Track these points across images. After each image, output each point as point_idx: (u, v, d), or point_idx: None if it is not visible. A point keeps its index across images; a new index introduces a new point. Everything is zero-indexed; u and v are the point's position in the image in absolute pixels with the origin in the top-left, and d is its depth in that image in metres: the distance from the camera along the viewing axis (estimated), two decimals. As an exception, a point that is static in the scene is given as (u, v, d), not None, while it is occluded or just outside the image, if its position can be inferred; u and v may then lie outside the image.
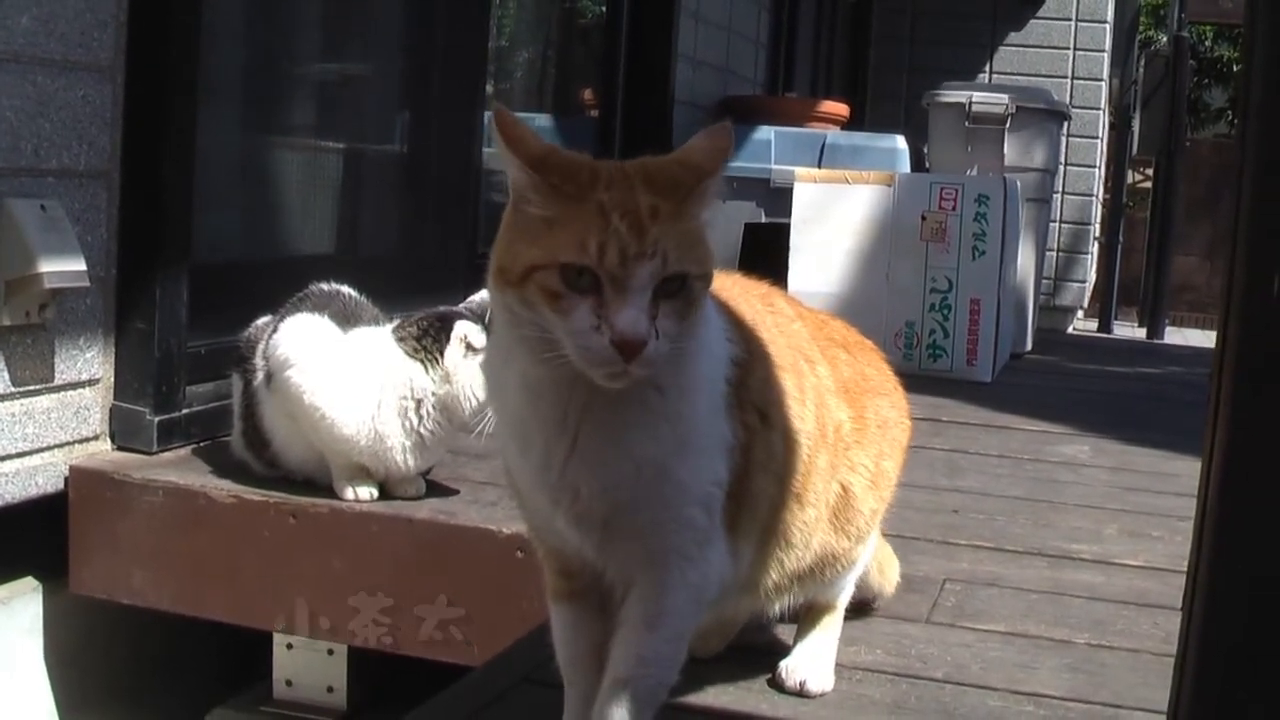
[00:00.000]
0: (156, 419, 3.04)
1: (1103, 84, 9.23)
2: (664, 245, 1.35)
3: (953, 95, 6.17)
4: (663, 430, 1.46)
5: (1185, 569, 2.56)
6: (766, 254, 5.40)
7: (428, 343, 2.66)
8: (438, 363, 2.65)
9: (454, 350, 2.64)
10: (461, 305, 2.75)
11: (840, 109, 7.00)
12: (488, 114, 4.88)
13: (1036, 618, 2.31)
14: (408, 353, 2.66)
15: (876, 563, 2.10)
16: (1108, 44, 9.22)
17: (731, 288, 1.72)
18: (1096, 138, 9.25)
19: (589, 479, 1.47)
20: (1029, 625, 2.27)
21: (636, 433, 1.45)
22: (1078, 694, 1.96)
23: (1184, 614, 1.16)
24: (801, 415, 1.70)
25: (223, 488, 2.82)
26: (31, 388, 2.82)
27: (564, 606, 1.59)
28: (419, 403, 2.67)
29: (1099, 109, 9.20)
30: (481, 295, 2.75)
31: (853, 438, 1.81)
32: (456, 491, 2.86)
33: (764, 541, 1.68)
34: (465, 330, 2.65)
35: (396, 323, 2.74)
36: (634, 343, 1.33)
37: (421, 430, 2.68)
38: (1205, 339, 11.99)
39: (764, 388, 1.62)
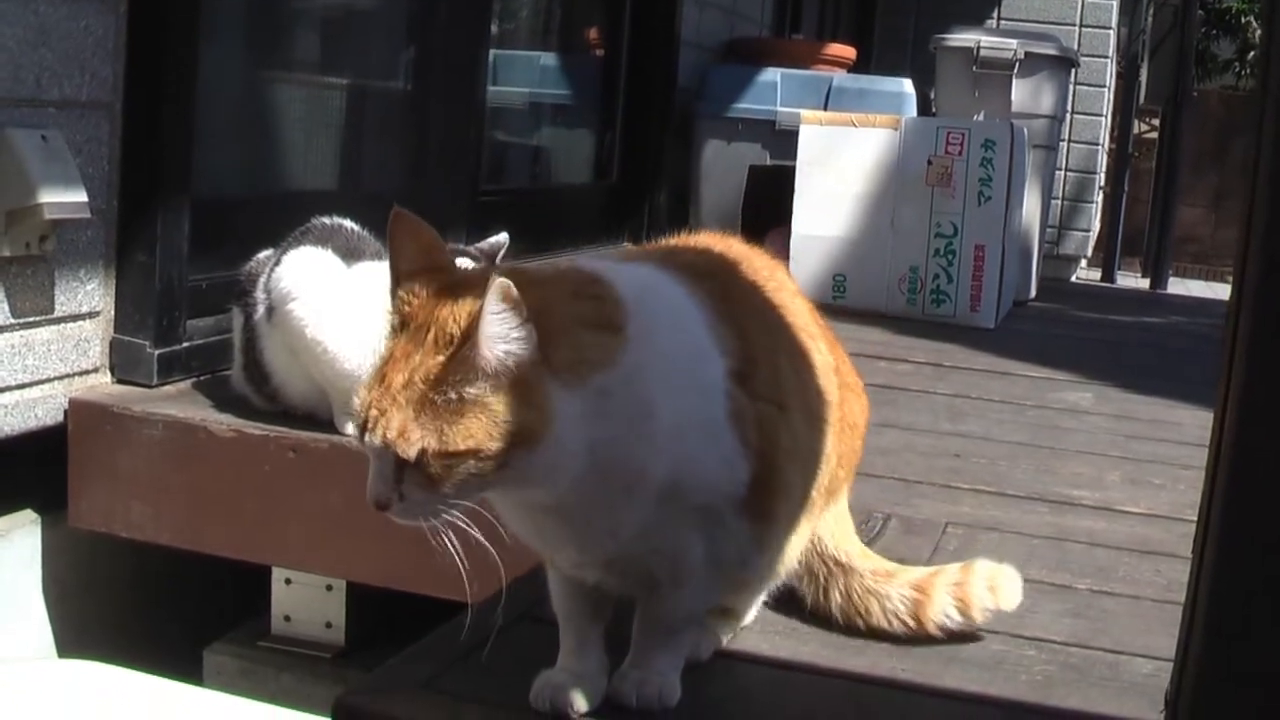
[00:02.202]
0: (157, 352, 3.03)
1: (1111, 32, 9.17)
2: (385, 425, 1.33)
3: (960, 39, 6.13)
4: (630, 506, 1.45)
5: (1187, 517, 2.57)
6: (771, 196, 5.38)
7: None
8: None
9: None
10: (474, 246, 2.73)
11: (847, 52, 6.96)
12: (493, 52, 4.87)
13: (1038, 563, 2.30)
14: None
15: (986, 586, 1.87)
16: (1117, -9, 9.16)
17: (732, 267, 1.69)
18: (1103, 86, 9.19)
19: (567, 548, 1.51)
20: (1030, 570, 2.25)
21: (599, 511, 1.45)
22: (1079, 639, 1.96)
23: (1194, 557, 1.15)
24: (828, 389, 1.71)
25: (223, 421, 2.81)
26: (31, 319, 2.80)
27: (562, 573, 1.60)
28: (421, 339, 2.65)
29: (1107, 57, 9.14)
30: (497, 238, 2.74)
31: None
32: (458, 428, 2.84)
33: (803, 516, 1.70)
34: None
35: (400, 258, 2.71)
36: (373, 504, 1.37)
37: (420, 366, 2.67)
38: (1208, 290, 11.99)
39: (774, 378, 1.59)
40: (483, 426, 1.32)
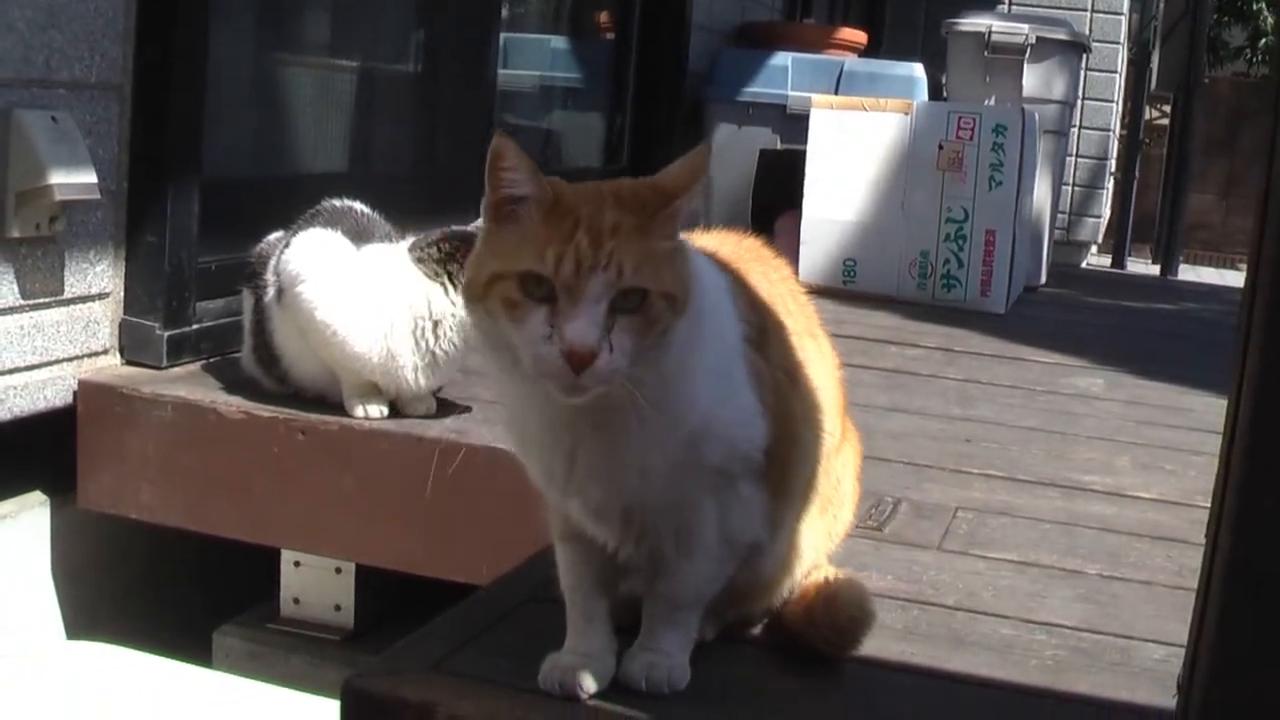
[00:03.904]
0: (166, 334, 3.02)
1: (1122, 18, 9.14)
2: (620, 258, 1.34)
3: (972, 24, 6.10)
4: (666, 441, 1.47)
5: (1198, 503, 2.57)
6: (781, 181, 5.37)
7: (454, 267, 2.63)
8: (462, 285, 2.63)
9: None
10: (472, 225, 2.72)
11: (858, 36, 6.95)
12: (503, 35, 4.86)
13: (1049, 547, 2.30)
14: (428, 274, 2.64)
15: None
16: (1129, -23, 9.12)
17: (746, 259, 1.70)
18: (1115, 72, 9.16)
19: (593, 487, 1.50)
20: (1041, 555, 2.26)
21: (638, 443, 1.46)
22: (1090, 624, 1.95)
23: (1208, 542, 1.15)
24: (827, 374, 1.72)
25: (232, 403, 2.81)
26: (41, 301, 2.80)
27: (570, 545, 1.60)
28: (437, 323, 2.65)
29: (1118, 43, 9.11)
30: None
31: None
32: (468, 409, 2.85)
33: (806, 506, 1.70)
34: None
35: (412, 241, 2.71)
36: (582, 353, 1.33)
37: (436, 350, 2.67)
38: (1219, 277, 11.95)
39: (785, 351, 1.63)
40: (677, 276, 1.40)
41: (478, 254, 1.45)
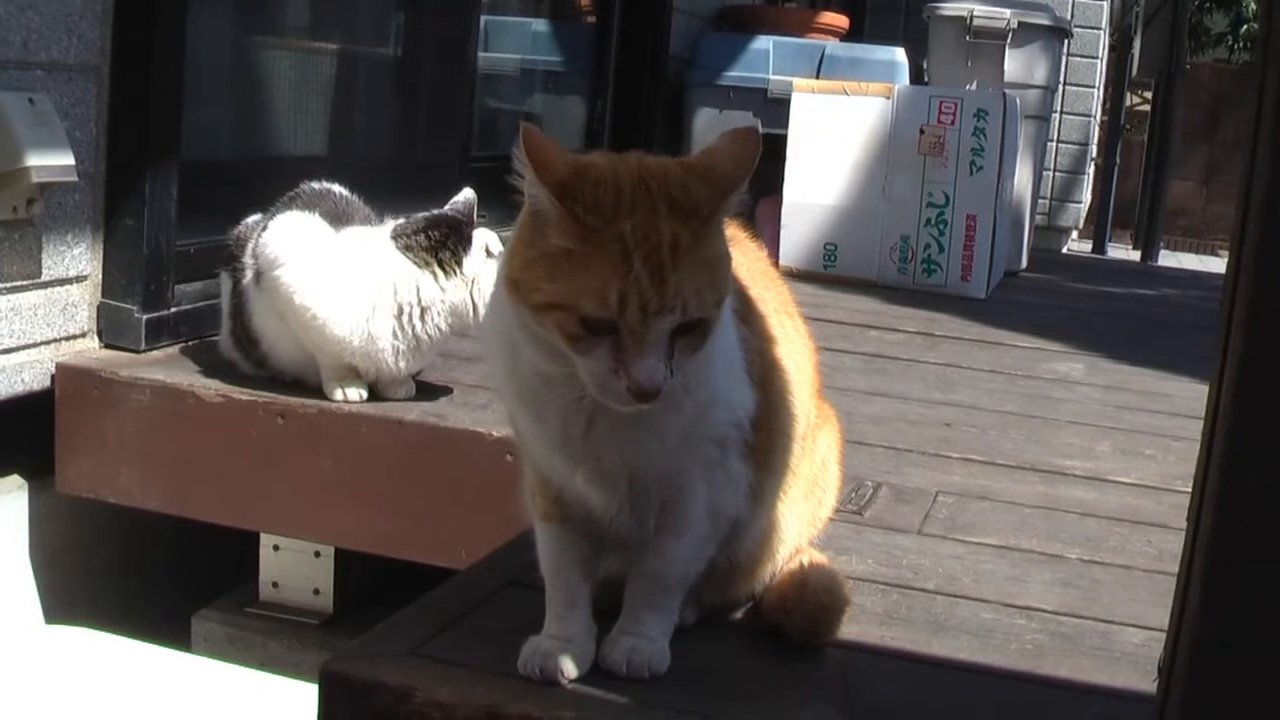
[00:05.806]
0: (144, 317, 3.01)
1: (1104, 3, 9.14)
2: (684, 293, 1.33)
3: (954, 8, 6.10)
4: (685, 403, 1.46)
5: (1177, 488, 2.57)
6: (762, 164, 5.35)
7: (445, 255, 2.62)
8: (455, 272, 2.62)
9: (475, 259, 2.62)
10: (448, 207, 2.70)
11: (840, 20, 6.94)
12: (484, 18, 4.84)
13: (1029, 532, 2.30)
14: (417, 263, 2.62)
15: None
16: (1110, -38, 9.12)
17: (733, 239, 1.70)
18: (1096, 58, 9.17)
19: (610, 450, 1.49)
20: (1021, 539, 2.26)
21: (659, 407, 1.43)
22: (1069, 608, 1.95)
23: (1189, 526, 1.14)
24: (801, 354, 1.73)
25: (211, 387, 2.80)
26: (18, 284, 2.79)
27: (553, 526, 1.60)
28: (425, 310, 2.63)
29: (1100, 29, 9.11)
30: (465, 195, 2.72)
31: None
32: (448, 392, 2.84)
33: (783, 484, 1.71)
34: (486, 239, 2.63)
35: (394, 227, 2.69)
36: (650, 391, 1.33)
37: (421, 335, 2.66)
38: (1200, 263, 11.98)
39: (764, 325, 1.64)
40: (726, 278, 1.41)
41: (523, 256, 1.38)
